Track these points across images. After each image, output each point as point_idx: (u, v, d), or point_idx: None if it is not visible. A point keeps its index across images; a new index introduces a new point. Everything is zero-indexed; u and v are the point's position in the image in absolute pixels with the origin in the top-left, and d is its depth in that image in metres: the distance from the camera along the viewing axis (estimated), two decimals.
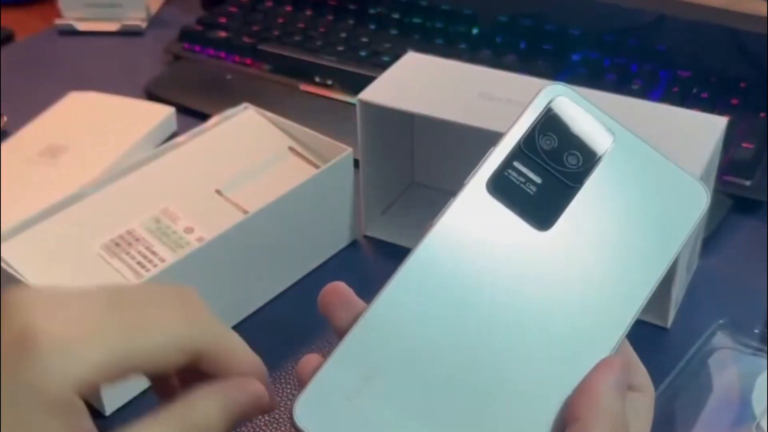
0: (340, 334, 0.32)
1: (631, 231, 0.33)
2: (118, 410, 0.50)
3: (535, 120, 0.34)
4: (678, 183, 0.34)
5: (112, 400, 0.50)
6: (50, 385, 0.29)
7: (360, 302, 0.33)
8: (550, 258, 0.33)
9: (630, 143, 0.34)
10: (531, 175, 0.33)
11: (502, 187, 0.33)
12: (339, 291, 0.34)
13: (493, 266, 0.32)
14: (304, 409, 0.30)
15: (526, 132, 0.34)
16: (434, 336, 0.31)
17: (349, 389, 0.30)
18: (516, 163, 0.33)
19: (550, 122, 0.34)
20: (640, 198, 0.34)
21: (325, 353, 0.31)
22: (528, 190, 0.33)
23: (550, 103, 0.34)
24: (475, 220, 0.33)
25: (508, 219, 0.33)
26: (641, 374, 0.34)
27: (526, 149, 0.34)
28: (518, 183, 0.33)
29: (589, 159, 0.34)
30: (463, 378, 0.31)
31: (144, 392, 0.51)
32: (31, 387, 0.29)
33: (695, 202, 0.34)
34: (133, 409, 0.50)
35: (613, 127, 0.34)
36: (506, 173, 0.33)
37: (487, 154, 0.34)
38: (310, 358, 0.32)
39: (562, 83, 0.35)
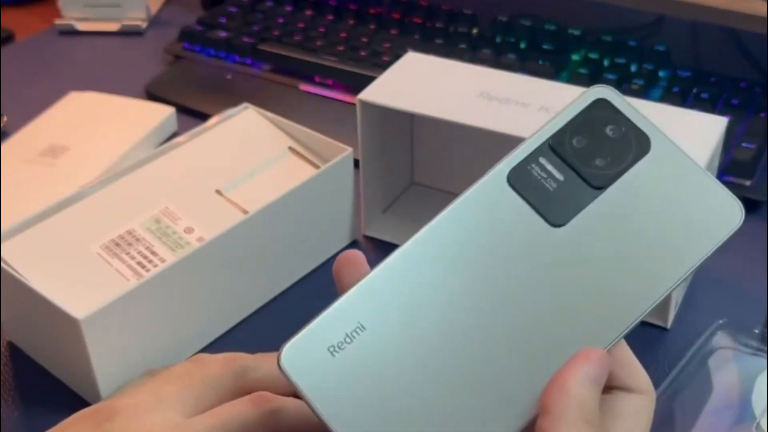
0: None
1: (649, 237, 0.33)
2: None
3: (570, 119, 0.34)
4: (712, 198, 0.34)
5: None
6: None
7: (369, 269, 0.34)
8: (558, 253, 0.33)
9: (668, 153, 0.34)
10: (554, 172, 0.34)
11: (522, 179, 0.33)
12: (353, 256, 0.35)
13: (501, 252, 0.33)
14: (291, 353, 0.31)
15: (558, 130, 0.34)
16: (429, 308, 0.32)
17: (337, 343, 0.31)
18: (542, 159, 0.34)
19: (585, 123, 0.34)
20: (666, 207, 0.34)
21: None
22: (548, 186, 0.33)
23: (591, 104, 0.34)
24: (489, 206, 0.33)
25: (522, 211, 0.33)
26: (640, 376, 0.34)
27: (554, 146, 0.34)
28: (539, 178, 0.34)
29: (618, 164, 0.34)
30: (451, 353, 0.32)
31: None
32: None
33: (727, 218, 0.34)
34: None
35: (652, 135, 0.34)
36: (529, 167, 0.34)
37: (515, 147, 0.34)
38: (352, 257, 0.34)
39: (608, 86, 0.35)
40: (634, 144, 0.34)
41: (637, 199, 0.34)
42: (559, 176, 0.34)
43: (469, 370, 0.32)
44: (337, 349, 0.31)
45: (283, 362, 0.31)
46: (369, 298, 0.32)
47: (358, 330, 0.32)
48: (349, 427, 0.31)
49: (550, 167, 0.34)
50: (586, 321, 0.33)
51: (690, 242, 0.34)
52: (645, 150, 0.34)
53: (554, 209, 0.33)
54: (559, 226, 0.33)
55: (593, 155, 0.34)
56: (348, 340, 0.32)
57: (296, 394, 0.39)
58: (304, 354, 0.31)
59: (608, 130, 0.34)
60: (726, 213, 0.34)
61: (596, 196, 0.34)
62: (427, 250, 0.33)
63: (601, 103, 0.34)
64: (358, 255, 0.35)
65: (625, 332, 0.33)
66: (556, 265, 0.33)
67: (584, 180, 0.34)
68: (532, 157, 0.34)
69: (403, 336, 0.32)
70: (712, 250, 0.34)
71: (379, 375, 0.31)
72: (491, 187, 0.33)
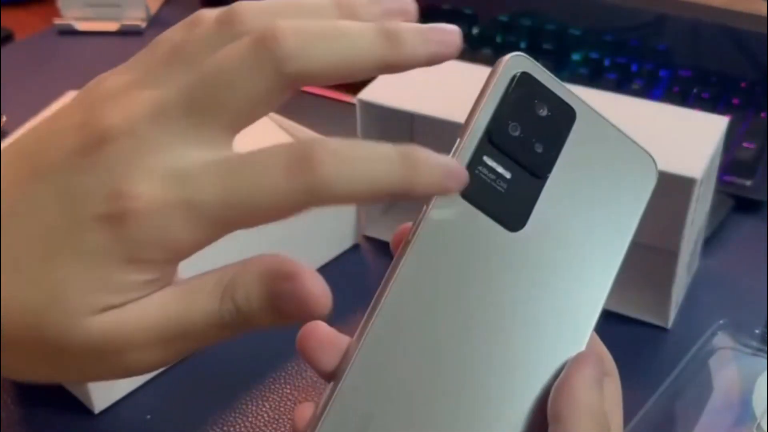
0: (326, 376, 0.31)
1: (595, 219, 0.32)
2: (108, 409, 0.50)
3: (499, 104, 0.31)
4: (631, 157, 0.32)
5: (102, 398, 0.50)
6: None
7: (342, 338, 0.31)
8: (524, 259, 0.31)
9: (589, 120, 0.32)
10: (501, 170, 0.31)
11: (474, 187, 0.30)
12: (317, 333, 0.32)
13: (472, 273, 0.31)
14: None
15: (491, 120, 0.31)
16: (422, 363, 0.30)
17: None
18: (486, 158, 0.31)
19: (515, 105, 0.31)
20: (600, 180, 0.32)
21: (317, 402, 0.30)
22: (500, 188, 0.31)
23: (513, 81, 0.31)
24: (450, 227, 0.31)
25: (482, 222, 0.31)
26: (608, 360, 0.34)
27: (495, 140, 0.31)
28: (489, 181, 0.31)
29: (555, 143, 0.31)
30: (452, 405, 0.30)
31: (134, 391, 0.51)
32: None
33: (647, 174, 0.32)
34: (123, 407, 0.50)
35: (574, 104, 0.32)
36: (477, 171, 0.31)
37: (453, 148, 0.31)
38: (305, 409, 0.31)
39: (522, 54, 0.32)
40: (562, 117, 0.32)
41: (576, 178, 0.32)
42: (506, 174, 0.31)
43: (479, 411, 0.30)
44: None
45: None
46: (366, 381, 0.30)
47: (366, 420, 0.29)
48: None
49: (494, 165, 0.31)
50: (566, 320, 0.32)
51: (626, 208, 0.32)
52: (571, 121, 0.32)
53: (510, 213, 0.31)
54: (518, 229, 0.31)
55: (531, 141, 0.31)
56: (363, 429, 0.29)
57: None
58: None
59: (536, 108, 0.31)
60: (644, 169, 0.32)
61: (542, 186, 0.31)
62: (403, 303, 0.30)
63: (523, 78, 0.31)
64: (323, 329, 0.31)
65: (597, 318, 0.32)
66: (525, 271, 0.31)
67: (529, 172, 0.31)
68: (477, 158, 0.31)
69: (411, 406, 0.30)
70: (643, 211, 0.32)
71: None
72: (447, 205, 0.30)
